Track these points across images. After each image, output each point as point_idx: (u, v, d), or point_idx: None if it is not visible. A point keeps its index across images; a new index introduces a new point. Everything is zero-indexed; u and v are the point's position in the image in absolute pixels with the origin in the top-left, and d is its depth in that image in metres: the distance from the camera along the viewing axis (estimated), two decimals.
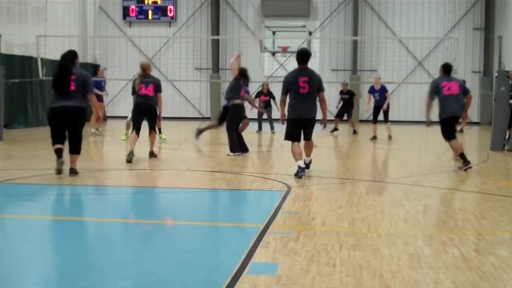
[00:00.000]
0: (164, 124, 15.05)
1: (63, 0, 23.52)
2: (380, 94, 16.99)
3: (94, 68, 26.14)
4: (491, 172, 10.39)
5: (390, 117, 17.38)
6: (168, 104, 27.90)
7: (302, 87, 9.15)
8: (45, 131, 17.66)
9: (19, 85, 19.82)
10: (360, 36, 26.71)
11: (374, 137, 16.64)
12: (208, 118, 27.98)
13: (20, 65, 20.25)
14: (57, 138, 8.95)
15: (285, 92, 9.29)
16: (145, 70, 11.37)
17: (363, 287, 4.06)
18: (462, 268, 4.50)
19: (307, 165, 9.61)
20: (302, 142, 9.36)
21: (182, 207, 7.43)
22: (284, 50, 23.13)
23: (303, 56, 9.45)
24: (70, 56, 9.12)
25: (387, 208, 6.92)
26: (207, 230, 6.05)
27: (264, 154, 13.24)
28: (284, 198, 7.32)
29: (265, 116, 20.09)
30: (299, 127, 9.26)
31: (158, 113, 11.43)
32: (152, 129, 11.47)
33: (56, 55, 21.46)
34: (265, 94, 20.30)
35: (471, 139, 18.50)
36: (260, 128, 19.85)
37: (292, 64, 28.11)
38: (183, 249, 5.14)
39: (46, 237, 5.59)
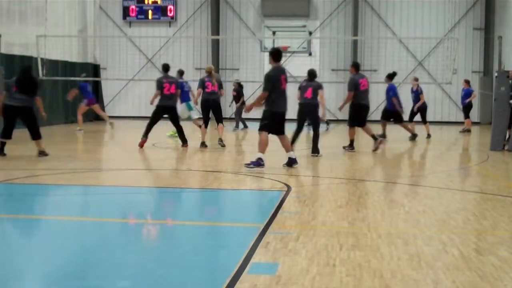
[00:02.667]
0: (164, 124, 15.03)
1: (63, 0, 23.51)
2: (415, 95, 17.78)
3: (95, 68, 26.16)
4: (491, 172, 10.39)
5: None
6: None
7: (283, 83, 9.87)
8: (45, 131, 17.67)
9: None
10: (360, 36, 26.69)
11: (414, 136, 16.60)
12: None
13: (20, 65, 20.22)
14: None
15: (270, 88, 9.76)
16: (209, 73, 13.60)
17: (363, 287, 4.06)
18: (462, 268, 4.50)
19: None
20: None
21: (182, 207, 7.44)
22: (284, 50, 23.12)
23: (280, 54, 10.23)
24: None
25: (387, 208, 6.92)
26: (207, 230, 6.05)
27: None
28: (284, 198, 7.32)
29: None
30: (281, 121, 9.94)
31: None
32: (219, 121, 13.81)
33: (56, 55, 21.64)
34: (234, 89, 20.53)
35: (471, 139, 18.50)
36: (244, 125, 20.28)
37: (292, 64, 28.22)
38: (183, 249, 5.14)
39: (46, 237, 5.59)
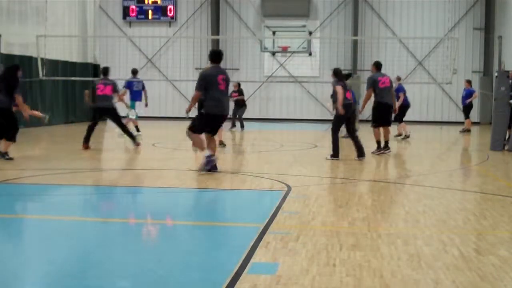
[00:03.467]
0: (164, 124, 15.05)
1: (63, 0, 23.51)
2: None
3: (95, 68, 26.15)
4: (491, 172, 10.39)
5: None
6: (168, 104, 27.97)
7: (221, 84, 9.48)
8: (45, 131, 17.69)
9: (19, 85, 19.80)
10: (360, 36, 26.70)
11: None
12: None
13: (20, 65, 20.15)
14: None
15: (201, 87, 9.47)
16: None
17: (363, 287, 4.06)
18: (462, 268, 4.50)
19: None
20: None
21: (182, 207, 7.44)
22: (284, 50, 23.13)
23: (219, 55, 9.89)
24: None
25: (387, 208, 6.92)
26: (207, 230, 6.04)
27: (263, 154, 13.24)
28: (284, 198, 7.32)
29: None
30: (215, 123, 9.63)
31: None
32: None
33: (56, 55, 21.64)
34: (235, 91, 20.24)
35: (471, 139, 18.51)
36: (234, 124, 20.06)
37: (292, 64, 28.20)
38: (183, 249, 5.14)
39: (46, 237, 5.59)
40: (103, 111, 13.38)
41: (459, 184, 9.23)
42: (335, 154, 11.47)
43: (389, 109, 12.74)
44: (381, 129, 12.64)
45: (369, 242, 5.22)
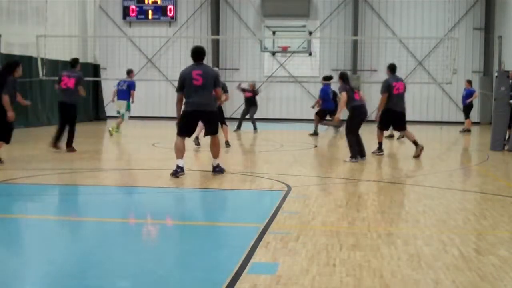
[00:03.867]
0: (164, 124, 15.05)
1: (63, 0, 23.51)
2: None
3: (95, 68, 26.16)
4: (491, 172, 10.39)
5: None
6: (168, 104, 27.93)
7: (196, 79, 8.93)
8: (45, 131, 17.67)
9: (19, 85, 19.78)
10: (360, 36, 26.70)
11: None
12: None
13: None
14: None
15: (178, 87, 9.08)
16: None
17: (363, 287, 4.06)
18: (462, 268, 4.50)
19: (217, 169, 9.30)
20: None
21: (182, 207, 7.44)
22: (284, 50, 23.13)
23: (198, 53, 9.28)
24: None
25: (387, 208, 6.92)
26: (207, 230, 6.04)
27: (263, 154, 13.24)
28: (284, 198, 7.32)
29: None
30: (195, 121, 9.20)
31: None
32: (222, 123, 13.11)
33: (56, 55, 21.63)
34: (249, 91, 20.02)
35: (471, 139, 18.51)
36: (239, 127, 19.68)
37: (292, 64, 28.20)
38: (183, 249, 5.14)
39: (46, 237, 5.59)
40: (62, 106, 12.25)
41: (459, 184, 9.23)
42: (353, 155, 11.38)
43: (401, 117, 12.27)
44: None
45: (369, 242, 5.22)
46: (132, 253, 4.96)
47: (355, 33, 26.71)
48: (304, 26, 23.40)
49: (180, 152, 9.01)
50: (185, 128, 9.13)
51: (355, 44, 26.73)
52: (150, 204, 7.56)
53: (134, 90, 17.48)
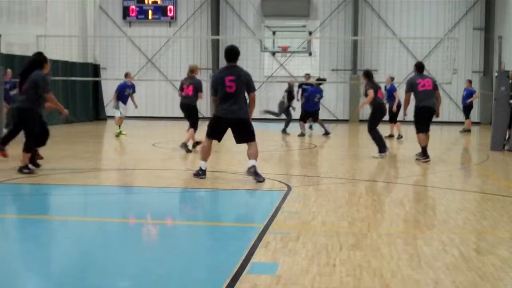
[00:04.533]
0: (164, 124, 15.05)
1: (63, 0, 23.51)
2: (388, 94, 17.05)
3: (95, 69, 26.15)
4: (491, 172, 10.39)
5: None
6: (168, 104, 27.94)
7: (229, 86, 8.64)
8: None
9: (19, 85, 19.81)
10: (360, 36, 26.70)
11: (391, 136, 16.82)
12: (208, 118, 28.00)
13: (20, 65, 20.22)
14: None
15: (213, 91, 8.90)
16: (189, 74, 12.83)
17: (363, 287, 4.06)
18: (462, 268, 4.50)
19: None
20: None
21: (182, 207, 7.44)
22: (284, 50, 23.12)
23: (231, 53, 8.87)
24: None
25: (387, 208, 6.92)
26: (207, 230, 6.05)
27: (263, 154, 13.24)
28: (284, 198, 7.32)
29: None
30: (225, 127, 8.86)
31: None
32: (191, 126, 12.66)
33: (56, 55, 21.62)
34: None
35: (471, 139, 18.50)
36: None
37: (292, 64, 28.19)
38: (183, 249, 5.14)
39: (46, 237, 5.59)
40: (14, 112, 9.93)
41: (459, 184, 9.23)
42: (382, 149, 11.67)
43: (428, 113, 11.56)
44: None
45: (369, 242, 5.22)
46: (132, 253, 4.97)
47: (355, 33, 26.71)
48: (304, 26, 23.39)
49: (205, 154, 8.92)
50: (215, 131, 8.87)
51: (355, 44, 26.73)
52: (150, 204, 7.56)
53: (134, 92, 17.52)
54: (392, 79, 17.77)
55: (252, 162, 8.64)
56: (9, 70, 16.26)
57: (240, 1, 27.92)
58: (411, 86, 11.52)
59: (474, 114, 26.64)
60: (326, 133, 17.73)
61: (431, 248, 5.05)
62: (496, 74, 14.58)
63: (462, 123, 21.30)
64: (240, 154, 12.17)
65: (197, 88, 12.55)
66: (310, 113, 17.88)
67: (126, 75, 17.43)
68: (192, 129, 12.65)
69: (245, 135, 8.83)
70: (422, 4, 27.04)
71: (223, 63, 30.33)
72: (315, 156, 13.08)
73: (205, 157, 8.88)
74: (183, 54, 27.80)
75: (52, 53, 21.07)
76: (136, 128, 20.73)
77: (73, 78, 22.55)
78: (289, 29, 24.15)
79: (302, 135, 17.71)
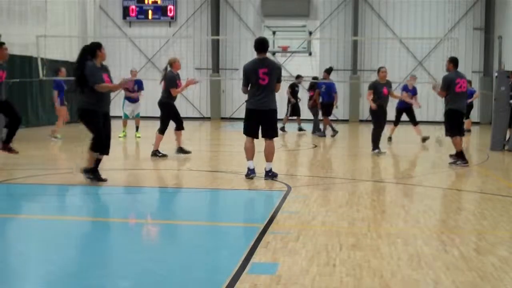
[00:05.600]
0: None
1: (63, 0, 23.51)
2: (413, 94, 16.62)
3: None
4: (491, 172, 10.39)
5: (391, 117, 16.88)
6: None
7: (262, 79, 8.63)
8: (45, 131, 17.67)
9: (19, 85, 19.82)
10: (360, 36, 26.70)
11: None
12: (208, 118, 28.01)
13: (20, 65, 20.26)
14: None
15: (245, 83, 8.80)
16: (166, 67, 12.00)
17: (363, 287, 4.06)
18: (462, 268, 4.50)
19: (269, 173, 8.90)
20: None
21: (182, 207, 7.43)
22: (284, 50, 23.13)
23: (261, 44, 8.84)
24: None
25: (387, 208, 6.92)
26: (207, 230, 6.04)
27: (263, 154, 13.23)
28: (284, 198, 7.32)
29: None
30: (258, 120, 8.79)
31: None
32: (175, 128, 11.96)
33: (56, 55, 21.62)
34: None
35: (471, 139, 18.50)
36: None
37: (292, 64, 28.19)
38: (183, 249, 5.14)
39: (46, 237, 5.59)
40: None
41: (459, 184, 9.23)
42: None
43: (462, 116, 11.15)
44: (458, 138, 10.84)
45: (369, 242, 5.22)
46: (132, 252, 4.97)
47: (355, 33, 26.70)
48: (304, 26, 23.41)
49: (249, 153, 8.89)
50: (250, 128, 8.85)
51: (355, 44, 26.73)
52: (150, 204, 7.56)
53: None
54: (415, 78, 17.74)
55: (269, 166, 8.84)
56: (63, 69, 16.00)
57: (240, 1, 27.92)
58: (450, 85, 10.61)
59: (474, 114, 26.65)
60: (323, 135, 17.62)
61: (431, 248, 5.05)
62: (496, 74, 14.58)
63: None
64: (240, 154, 12.18)
65: (167, 83, 11.77)
66: (329, 105, 17.54)
67: (130, 72, 17.39)
68: (159, 134, 11.66)
69: (270, 129, 8.87)
70: (422, 4, 27.04)
71: (223, 63, 30.45)
72: (315, 156, 13.08)
73: (250, 156, 8.89)
74: (183, 54, 27.78)
75: (52, 53, 21.09)
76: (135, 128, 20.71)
77: (73, 78, 22.52)
78: (289, 29, 24.17)
79: (335, 132, 17.42)
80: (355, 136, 19.50)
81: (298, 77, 19.82)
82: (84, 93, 8.36)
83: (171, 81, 11.67)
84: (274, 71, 8.70)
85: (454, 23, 26.82)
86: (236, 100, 27.96)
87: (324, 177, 9.40)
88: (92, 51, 8.39)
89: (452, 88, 10.62)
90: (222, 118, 28.15)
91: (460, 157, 10.77)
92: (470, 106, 20.55)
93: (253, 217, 6.63)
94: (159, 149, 11.50)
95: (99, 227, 6.09)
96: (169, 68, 11.89)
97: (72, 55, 23.91)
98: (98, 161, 8.61)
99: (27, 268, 4.53)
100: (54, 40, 21.26)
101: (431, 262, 4.64)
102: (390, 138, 15.64)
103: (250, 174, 8.86)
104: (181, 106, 28.82)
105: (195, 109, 28.90)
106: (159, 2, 28.09)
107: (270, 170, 8.86)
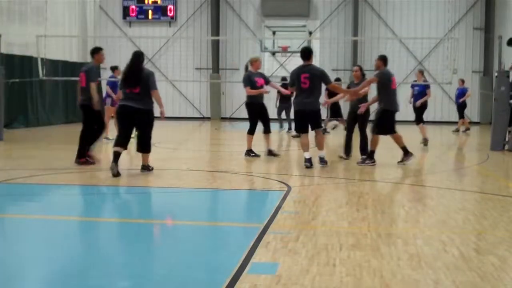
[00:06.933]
0: (164, 124, 15.01)
1: (63, 0, 23.51)
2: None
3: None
4: (491, 172, 10.39)
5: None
6: (168, 104, 27.90)
7: (304, 83, 10.00)
8: (45, 131, 17.71)
9: (19, 85, 19.83)
10: (360, 36, 26.71)
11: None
12: (208, 118, 28.01)
13: (20, 65, 20.26)
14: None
15: (291, 84, 10.40)
16: None
17: (363, 287, 4.06)
18: (462, 268, 4.50)
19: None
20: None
21: (182, 207, 7.43)
22: (284, 50, 23.12)
23: (303, 53, 10.29)
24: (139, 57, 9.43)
25: (387, 208, 6.92)
26: (207, 230, 6.05)
27: (263, 155, 13.24)
28: (284, 198, 7.32)
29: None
30: (303, 119, 10.23)
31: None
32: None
33: (56, 55, 21.64)
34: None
35: (471, 139, 18.50)
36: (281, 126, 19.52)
37: (293, 64, 28.18)
38: (183, 249, 5.14)
39: (46, 237, 5.59)
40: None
41: (459, 184, 9.23)
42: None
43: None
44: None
45: (369, 242, 5.22)
46: (132, 253, 4.97)
47: (355, 33, 26.71)
48: (304, 26, 23.40)
49: (305, 146, 10.26)
50: (300, 125, 10.36)
51: (355, 44, 26.74)
52: (150, 204, 7.57)
53: None
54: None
55: (322, 154, 10.34)
56: (119, 69, 15.87)
57: (240, 1, 27.92)
58: (387, 82, 10.55)
59: (474, 114, 26.68)
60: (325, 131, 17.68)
61: (431, 248, 5.05)
62: (496, 74, 14.58)
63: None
64: (240, 154, 12.19)
65: (242, 83, 11.62)
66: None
67: (114, 69, 17.15)
68: (248, 135, 11.79)
69: (314, 123, 10.31)
70: (422, 4, 27.05)
71: (223, 63, 30.45)
72: (315, 156, 13.06)
73: (306, 149, 10.22)
74: (183, 54, 27.81)
75: (52, 53, 21.10)
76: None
77: (73, 78, 22.52)
78: (289, 29, 24.16)
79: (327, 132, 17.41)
80: (355, 136, 19.46)
81: (283, 80, 19.91)
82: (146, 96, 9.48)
83: (244, 80, 11.70)
84: (316, 76, 10.05)
85: (454, 23, 26.83)
86: (236, 100, 27.97)
87: (324, 177, 9.40)
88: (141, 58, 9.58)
89: (388, 86, 10.56)
90: (222, 118, 28.16)
91: (370, 156, 10.72)
92: (464, 105, 20.53)
93: (253, 217, 6.63)
94: (252, 148, 11.79)
95: (98, 227, 6.09)
96: (249, 67, 11.80)
97: (72, 55, 23.98)
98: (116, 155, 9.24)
99: (27, 268, 4.53)
100: (54, 40, 21.26)
101: (431, 262, 4.64)
102: (425, 141, 14.78)
103: (307, 162, 10.09)
104: (181, 106, 28.92)
105: (195, 109, 28.91)
106: (159, 2, 28.10)
107: (324, 157, 10.36)
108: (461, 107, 20.60)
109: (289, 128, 18.86)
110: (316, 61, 26.60)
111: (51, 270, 4.50)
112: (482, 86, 26.03)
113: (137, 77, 9.25)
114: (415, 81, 16.61)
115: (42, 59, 19.39)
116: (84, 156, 10.28)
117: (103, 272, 4.45)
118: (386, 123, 10.66)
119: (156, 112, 9.54)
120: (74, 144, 12.35)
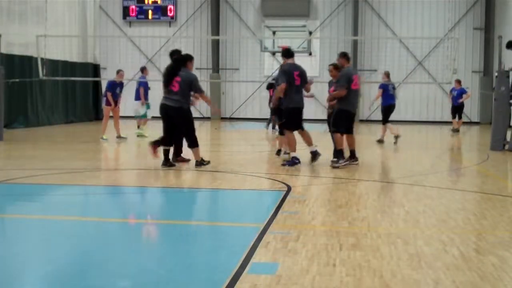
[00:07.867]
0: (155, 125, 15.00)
1: (63, 0, 23.51)
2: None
3: (95, 68, 26.13)
4: (491, 172, 10.39)
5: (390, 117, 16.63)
6: None
7: (296, 79, 10.25)
8: (45, 131, 17.71)
9: (19, 85, 19.82)
10: (360, 36, 26.71)
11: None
12: (208, 118, 28.01)
13: (20, 65, 20.25)
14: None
15: (285, 80, 10.25)
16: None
17: (363, 287, 4.06)
18: (462, 268, 4.50)
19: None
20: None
21: (182, 207, 7.43)
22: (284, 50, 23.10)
23: (288, 51, 10.73)
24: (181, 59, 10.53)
25: (387, 208, 6.92)
26: (207, 230, 6.05)
27: (263, 154, 13.23)
28: (284, 198, 7.32)
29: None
30: (299, 116, 10.46)
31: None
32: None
33: (56, 55, 21.63)
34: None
35: (471, 139, 18.50)
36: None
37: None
38: (183, 249, 5.14)
39: (46, 237, 5.59)
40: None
41: (459, 184, 9.23)
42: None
43: (353, 117, 10.92)
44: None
45: (369, 242, 5.22)
46: (132, 253, 4.97)
47: (355, 33, 26.71)
48: (304, 26, 23.41)
49: (295, 145, 10.36)
50: (292, 123, 10.41)
51: (355, 44, 26.74)
52: (150, 204, 7.57)
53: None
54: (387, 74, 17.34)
55: (314, 148, 10.61)
56: (122, 72, 16.01)
57: (240, 1, 27.92)
58: (348, 82, 10.28)
59: (474, 114, 26.68)
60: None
61: (431, 248, 5.05)
62: (496, 74, 14.58)
63: (464, 123, 21.29)
64: (240, 154, 12.20)
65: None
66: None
67: (144, 69, 17.33)
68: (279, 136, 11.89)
69: (302, 121, 10.57)
70: (422, 4, 27.05)
71: (223, 63, 30.43)
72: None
73: (295, 148, 10.35)
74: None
75: (52, 53, 21.10)
76: (135, 129, 20.73)
77: (73, 78, 22.55)
78: (289, 29, 24.17)
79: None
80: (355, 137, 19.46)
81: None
82: (182, 95, 10.43)
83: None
84: (304, 73, 10.48)
85: (454, 23, 26.83)
86: (236, 100, 27.99)
87: (324, 177, 9.40)
88: (185, 61, 10.73)
89: (348, 85, 10.25)
90: (222, 118, 28.16)
91: (340, 155, 10.45)
92: (461, 106, 20.52)
93: (253, 217, 6.63)
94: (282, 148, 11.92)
95: (98, 227, 6.08)
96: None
97: (72, 55, 23.97)
98: (166, 152, 10.20)
99: (27, 268, 4.53)
100: (54, 40, 21.26)
101: (431, 262, 4.64)
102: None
103: (297, 162, 10.23)
104: None
105: (195, 109, 28.90)
106: (159, 2, 28.10)
107: (315, 150, 10.65)
108: (459, 108, 20.60)
109: (273, 127, 18.63)
110: (316, 61, 26.81)
111: (50, 270, 4.50)
112: (482, 86, 26.02)
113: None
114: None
115: (42, 59, 19.39)
116: (180, 155, 10.85)
117: (103, 272, 4.45)
118: (340, 122, 10.53)
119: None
120: (74, 144, 12.38)
